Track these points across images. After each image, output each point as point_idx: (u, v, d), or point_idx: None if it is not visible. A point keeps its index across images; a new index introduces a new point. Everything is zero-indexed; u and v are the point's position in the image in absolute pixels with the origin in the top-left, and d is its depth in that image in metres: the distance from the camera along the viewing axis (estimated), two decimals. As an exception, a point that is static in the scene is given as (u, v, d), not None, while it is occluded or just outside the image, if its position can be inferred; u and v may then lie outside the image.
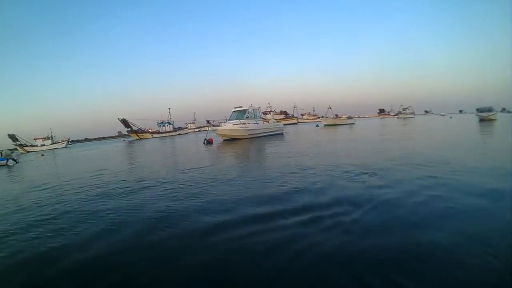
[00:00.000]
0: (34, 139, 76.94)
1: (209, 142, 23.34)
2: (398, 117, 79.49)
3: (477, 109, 38.27)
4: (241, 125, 24.87)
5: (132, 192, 6.63)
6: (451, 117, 60.38)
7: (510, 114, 47.54)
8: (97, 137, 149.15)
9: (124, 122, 71.33)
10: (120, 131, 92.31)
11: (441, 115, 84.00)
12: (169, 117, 79.79)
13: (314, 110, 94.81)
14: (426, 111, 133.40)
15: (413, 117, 78.13)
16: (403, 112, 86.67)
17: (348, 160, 8.80)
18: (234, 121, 25.49)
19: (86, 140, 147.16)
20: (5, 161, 24.27)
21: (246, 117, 26.27)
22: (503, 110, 67.28)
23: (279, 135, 27.88)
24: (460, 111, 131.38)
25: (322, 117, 51.63)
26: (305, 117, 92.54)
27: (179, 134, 73.94)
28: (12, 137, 73.02)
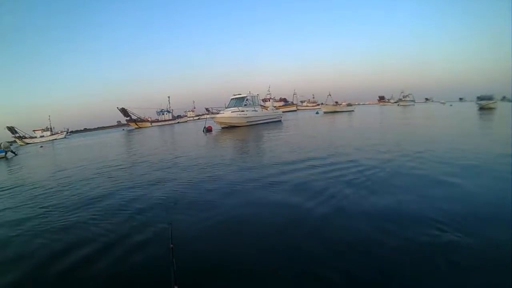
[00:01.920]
0: (33, 130, 76.64)
1: (208, 130, 23.23)
2: (398, 105, 78.79)
3: (478, 97, 38.07)
4: (239, 113, 24.80)
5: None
6: (451, 105, 59.76)
7: (510, 103, 47.44)
8: (96, 127, 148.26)
9: (123, 111, 71.07)
10: (119, 121, 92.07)
11: (441, 103, 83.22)
12: (169, 106, 79.48)
13: (314, 97, 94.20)
14: (426, 99, 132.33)
15: (413, 105, 77.37)
16: (403, 99, 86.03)
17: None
18: (232, 108, 25.44)
19: (86, 130, 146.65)
20: (4, 154, 24.15)
21: (245, 105, 26.14)
22: (504, 98, 66.95)
23: (277, 122, 27.83)
24: (461, 99, 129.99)
25: (322, 104, 51.52)
26: (304, 104, 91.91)
27: (178, 123, 73.65)
28: (11, 130, 72.56)
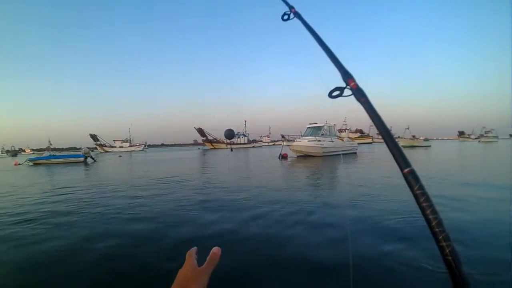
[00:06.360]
0: (114, 140, 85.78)
1: (283, 157, 24.01)
2: (479, 141, 72.58)
3: None
4: (316, 142, 24.86)
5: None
6: None
7: None
8: (173, 143, 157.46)
9: (200, 131, 75.40)
10: (196, 140, 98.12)
11: (529, 139, 73.57)
12: (245, 129, 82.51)
13: (391, 129, 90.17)
14: (511, 135, 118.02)
15: (497, 141, 70.40)
16: (485, 135, 79.44)
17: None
18: (309, 137, 25.75)
19: (163, 145, 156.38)
20: (83, 158, 27.27)
21: (321, 134, 26.34)
22: None
23: (353, 154, 27.42)
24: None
25: (399, 137, 49.49)
26: (380, 137, 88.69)
27: (253, 147, 75.72)
28: (94, 137, 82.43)
